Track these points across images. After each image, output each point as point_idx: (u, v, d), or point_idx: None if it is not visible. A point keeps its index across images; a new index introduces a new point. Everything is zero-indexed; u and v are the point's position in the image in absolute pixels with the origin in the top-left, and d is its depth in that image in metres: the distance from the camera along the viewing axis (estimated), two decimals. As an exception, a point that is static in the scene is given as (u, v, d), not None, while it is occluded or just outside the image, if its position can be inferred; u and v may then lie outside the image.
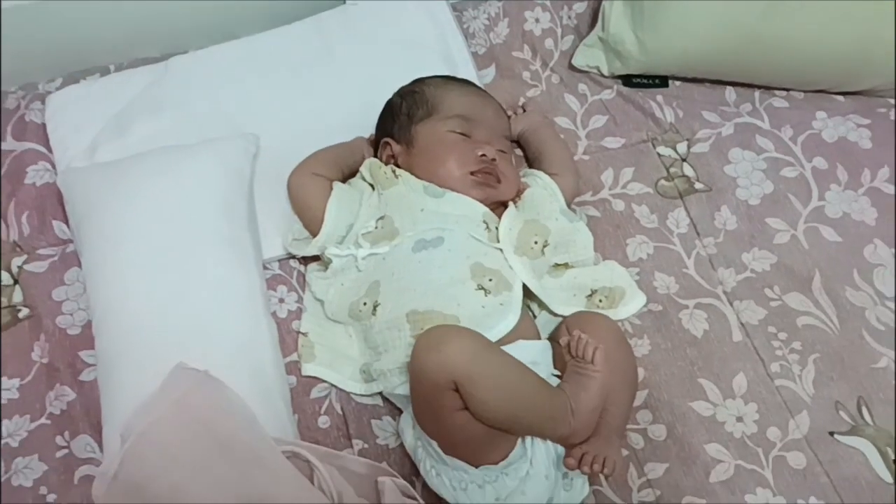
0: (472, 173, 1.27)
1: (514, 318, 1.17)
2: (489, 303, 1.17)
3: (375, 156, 1.38)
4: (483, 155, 1.27)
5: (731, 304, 1.32)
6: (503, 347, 1.12)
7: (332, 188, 1.29)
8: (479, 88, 1.42)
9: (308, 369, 1.25)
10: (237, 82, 1.50)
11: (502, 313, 1.17)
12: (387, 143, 1.34)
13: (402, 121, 1.33)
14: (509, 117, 1.44)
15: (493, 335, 1.14)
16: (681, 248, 1.38)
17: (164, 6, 1.53)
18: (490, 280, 1.19)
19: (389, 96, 1.40)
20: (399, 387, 1.16)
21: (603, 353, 1.07)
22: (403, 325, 1.16)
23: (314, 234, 1.29)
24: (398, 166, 1.31)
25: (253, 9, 1.58)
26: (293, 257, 1.36)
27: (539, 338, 1.23)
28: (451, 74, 1.47)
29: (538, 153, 1.41)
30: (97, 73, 1.55)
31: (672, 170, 1.45)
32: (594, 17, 1.59)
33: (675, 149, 1.48)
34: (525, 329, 1.19)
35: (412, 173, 1.29)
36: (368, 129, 1.43)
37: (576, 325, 1.16)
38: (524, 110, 1.48)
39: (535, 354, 1.15)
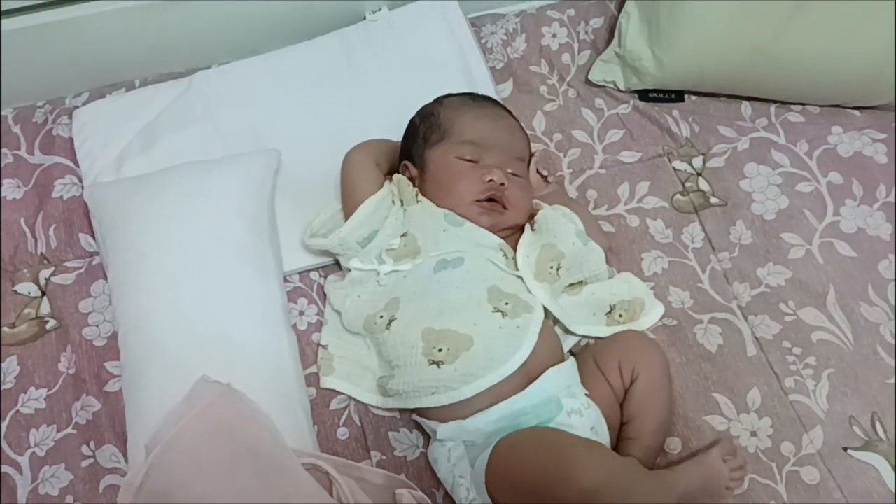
0: (477, 201, 1.28)
1: (530, 343, 1.18)
2: (506, 325, 1.18)
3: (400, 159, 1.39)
4: (490, 180, 1.27)
5: (745, 318, 1.33)
6: (535, 382, 1.14)
7: (381, 185, 1.31)
8: (497, 107, 1.41)
9: (327, 382, 1.28)
10: (260, 97, 1.53)
11: (519, 337, 1.18)
12: (406, 166, 1.36)
13: (418, 144, 1.34)
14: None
15: (514, 363, 1.15)
16: (696, 262, 1.39)
17: (188, 22, 1.55)
18: (507, 304, 1.20)
19: (408, 110, 1.41)
20: (414, 402, 1.19)
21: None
22: (417, 342, 1.18)
23: (347, 213, 1.30)
24: (415, 187, 1.34)
25: (275, 25, 1.60)
26: (314, 269, 1.38)
27: (563, 357, 1.24)
28: (470, 89, 1.49)
29: None
30: (123, 87, 1.59)
31: (688, 184, 1.47)
32: (611, 32, 1.61)
33: (690, 163, 1.49)
34: (552, 351, 1.21)
35: (424, 196, 1.31)
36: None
37: (626, 356, 1.19)
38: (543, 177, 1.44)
39: (568, 377, 1.18)
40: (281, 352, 1.25)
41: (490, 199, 1.28)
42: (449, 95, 1.40)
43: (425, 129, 1.34)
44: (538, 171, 1.42)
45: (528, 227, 1.32)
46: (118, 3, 1.49)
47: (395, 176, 1.35)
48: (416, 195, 1.31)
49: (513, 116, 1.41)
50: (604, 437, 1.14)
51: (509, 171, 1.30)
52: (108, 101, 1.54)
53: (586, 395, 1.17)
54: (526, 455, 1.08)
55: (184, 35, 1.57)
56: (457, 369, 1.15)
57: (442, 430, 1.16)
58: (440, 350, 1.16)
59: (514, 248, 1.29)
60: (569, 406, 1.12)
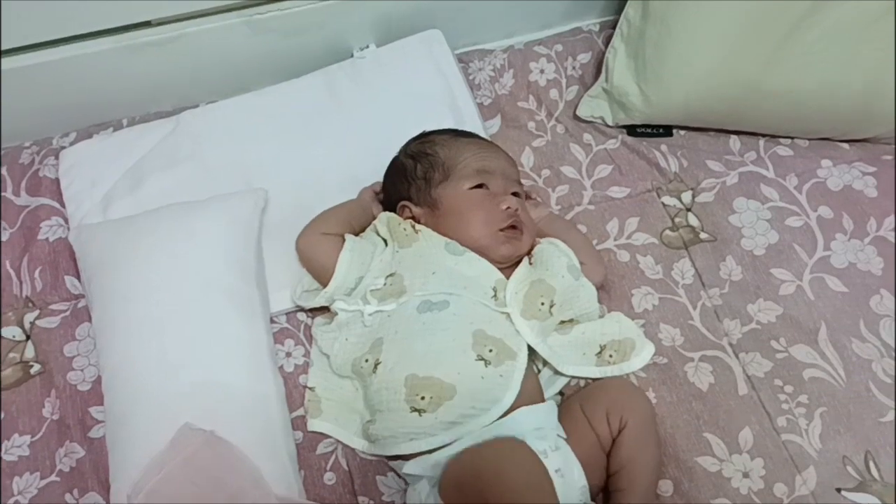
0: (501, 230, 1.28)
1: (513, 393, 1.16)
2: (489, 374, 1.17)
3: (387, 209, 1.38)
4: (508, 207, 1.28)
5: (736, 356, 1.32)
6: (501, 420, 1.14)
7: (343, 241, 1.29)
8: (485, 139, 1.43)
9: (314, 425, 1.26)
10: (248, 135, 1.52)
11: (502, 387, 1.17)
12: (405, 207, 1.34)
13: (419, 185, 1.33)
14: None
15: (495, 412, 1.15)
16: (686, 299, 1.38)
17: (175, 62, 1.55)
18: (491, 350, 1.18)
19: (396, 147, 1.41)
20: (392, 449, 1.18)
21: None
22: (400, 388, 1.16)
23: (325, 286, 1.30)
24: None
25: (262, 63, 1.60)
26: (301, 310, 1.37)
27: (542, 399, 1.23)
28: (458, 125, 1.49)
29: None
30: (111, 127, 1.58)
31: (677, 220, 1.46)
32: (598, 67, 1.60)
33: (679, 198, 1.49)
34: (527, 393, 1.19)
35: (438, 232, 1.30)
36: (376, 177, 1.43)
37: (613, 404, 1.17)
38: (531, 198, 1.44)
39: (538, 419, 1.16)
40: (267, 396, 1.24)
41: (511, 227, 1.29)
42: (433, 133, 1.40)
43: (425, 170, 1.33)
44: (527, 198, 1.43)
45: (525, 260, 1.31)
46: (105, 44, 1.49)
47: (384, 215, 1.34)
48: (413, 227, 1.30)
49: (499, 147, 1.42)
50: (571, 481, 1.11)
51: (512, 192, 1.32)
52: (94, 142, 1.53)
53: (563, 438, 1.16)
54: (464, 470, 1.08)
55: (171, 74, 1.57)
56: (437, 418, 1.14)
57: (408, 465, 1.16)
58: (423, 398, 1.15)
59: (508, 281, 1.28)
60: (533, 446, 1.10)
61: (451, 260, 1.27)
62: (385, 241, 1.32)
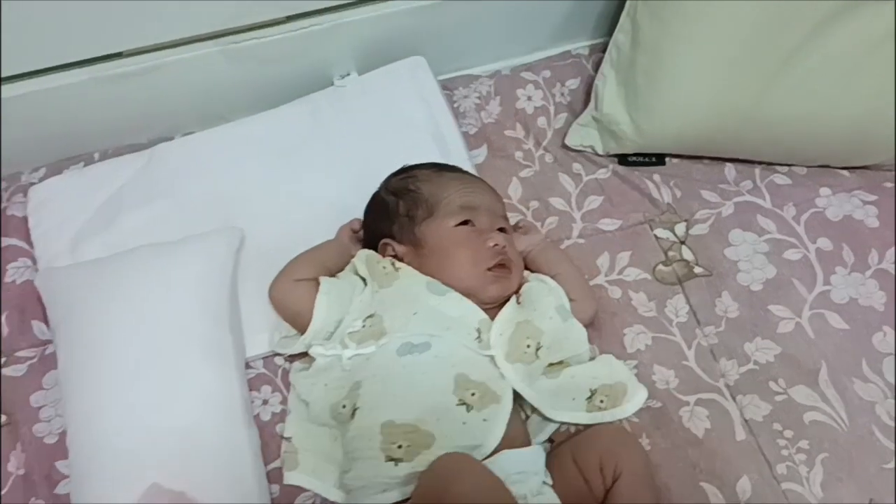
0: (489, 269, 1.23)
1: (496, 437, 1.11)
2: (471, 419, 1.11)
3: (365, 246, 1.33)
4: (495, 245, 1.24)
5: (734, 398, 1.27)
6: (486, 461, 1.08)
7: (318, 284, 1.24)
8: (469, 173, 1.38)
9: (291, 478, 1.19)
10: (225, 169, 1.47)
11: (485, 431, 1.11)
12: (388, 245, 1.29)
13: (402, 222, 1.28)
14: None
15: (476, 456, 1.08)
16: (680, 338, 1.32)
17: (150, 92, 1.49)
18: (473, 394, 1.13)
19: (379, 178, 1.36)
20: (362, 499, 1.11)
21: None
22: (375, 435, 1.10)
23: (303, 333, 1.24)
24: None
25: (240, 92, 1.55)
26: (278, 354, 1.31)
27: (528, 443, 1.17)
28: (442, 155, 1.45)
29: (549, 275, 1.32)
30: (82, 161, 1.53)
31: (670, 253, 1.41)
32: (588, 93, 1.55)
33: (673, 230, 1.43)
34: (512, 438, 1.14)
35: (423, 271, 1.24)
36: (359, 210, 1.38)
37: (606, 454, 1.11)
38: (516, 227, 1.39)
39: (522, 464, 1.10)
40: (241, 450, 1.18)
41: (499, 265, 1.24)
42: (416, 167, 1.34)
43: (408, 207, 1.28)
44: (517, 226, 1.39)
45: (513, 299, 1.26)
46: (75, 76, 1.43)
47: (363, 253, 1.28)
48: (394, 265, 1.25)
49: (484, 180, 1.38)
50: None
51: (498, 228, 1.28)
52: (65, 178, 1.48)
53: (548, 485, 1.11)
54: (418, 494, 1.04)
55: (145, 106, 1.52)
56: (414, 468, 1.08)
57: None
58: (399, 446, 1.09)
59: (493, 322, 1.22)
60: (514, 490, 1.03)
61: (434, 300, 1.21)
62: (364, 280, 1.26)
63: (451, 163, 1.42)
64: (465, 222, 1.26)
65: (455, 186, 1.30)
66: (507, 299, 1.26)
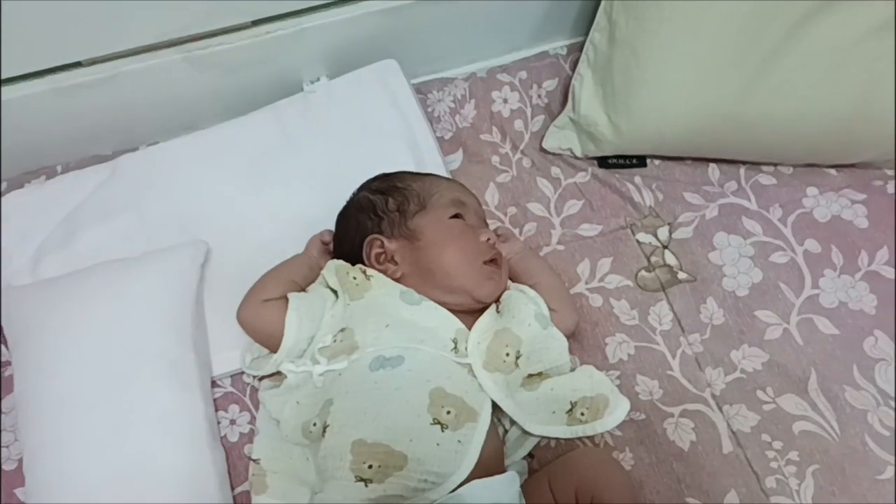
0: (485, 263, 1.20)
1: (470, 462, 1.05)
2: (445, 440, 1.05)
3: (340, 257, 1.27)
4: (488, 239, 1.21)
5: (720, 409, 1.22)
6: (451, 494, 1.02)
7: (287, 302, 1.19)
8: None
9: (260, 501, 1.14)
10: (190, 179, 1.42)
11: (459, 454, 1.05)
12: (375, 240, 1.22)
13: (392, 218, 1.23)
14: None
15: (449, 485, 1.03)
16: (664, 346, 1.28)
17: (114, 101, 1.44)
18: (449, 412, 1.07)
19: (351, 187, 1.30)
20: None
21: None
22: (346, 454, 1.05)
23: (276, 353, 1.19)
24: (394, 262, 1.21)
25: (207, 100, 1.50)
26: (246, 372, 1.26)
27: (502, 466, 1.12)
28: (416, 161, 1.41)
29: (529, 285, 1.27)
30: (43, 175, 1.48)
31: (653, 259, 1.36)
32: (565, 94, 1.50)
33: (655, 235, 1.38)
34: (486, 461, 1.08)
35: (416, 266, 1.19)
36: (330, 222, 1.32)
37: (583, 481, 1.07)
38: (497, 236, 1.32)
39: (494, 494, 1.05)
40: (205, 473, 1.13)
41: (494, 260, 1.21)
42: (397, 173, 1.29)
43: (399, 202, 1.23)
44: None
45: (492, 308, 1.21)
46: (33, 87, 1.38)
47: (332, 264, 1.23)
48: (365, 274, 1.19)
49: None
50: None
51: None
52: (25, 192, 1.43)
53: None
54: None
55: (107, 116, 1.47)
56: (385, 491, 1.02)
57: None
58: (370, 466, 1.03)
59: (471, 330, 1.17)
60: None
61: (407, 310, 1.16)
62: (335, 292, 1.21)
63: (425, 169, 1.37)
64: (457, 216, 1.22)
65: (444, 183, 1.27)
66: (486, 307, 1.21)
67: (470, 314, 1.19)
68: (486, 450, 1.08)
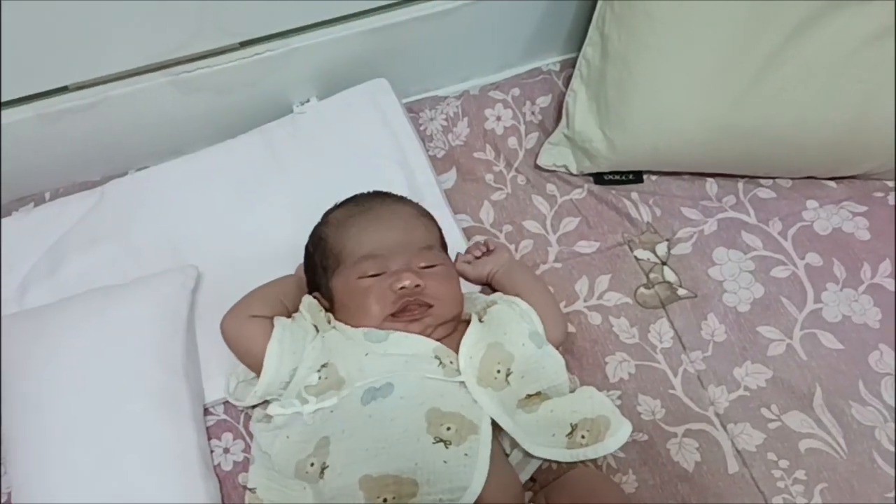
0: (392, 315, 1.14)
1: (482, 472, 1.02)
2: (452, 456, 1.03)
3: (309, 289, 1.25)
4: (402, 288, 1.13)
5: (724, 428, 1.19)
6: None
7: (272, 326, 1.16)
8: (384, 203, 1.25)
9: (256, 532, 1.12)
10: (179, 205, 1.39)
11: (469, 467, 1.02)
12: (318, 299, 1.21)
13: (319, 274, 1.21)
14: (477, 256, 1.30)
15: (468, 498, 1.00)
16: (666, 365, 1.25)
17: (101, 126, 1.42)
18: (449, 428, 1.05)
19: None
20: None
21: None
22: (357, 492, 1.02)
23: (256, 371, 1.16)
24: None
25: (195, 123, 1.48)
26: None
27: (518, 481, 1.10)
28: (408, 182, 1.39)
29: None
30: (31, 202, 1.45)
31: (652, 275, 1.33)
32: (559, 110, 1.48)
33: (654, 251, 1.36)
34: (503, 482, 1.05)
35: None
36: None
37: (577, 499, 1.05)
38: (488, 248, 1.31)
39: None
40: (197, 504, 1.10)
41: (405, 308, 1.14)
42: (335, 208, 1.26)
43: (321, 258, 1.20)
44: (477, 257, 1.30)
45: (475, 318, 1.18)
46: (18, 114, 1.36)
47: (305, 300, 1.20)
48: (329, 321, 1.17)
49: (405, 203, 1.27)
50: None
51: (421, 265, 1.17)
52: (13, 220, 1.40)
53: None
54: None
55: (95, 142, 1.44)
56: None
57: None
58: (385, 500, 1.00)
59: (457, 347, 1.14)
60: None
61: (378, 347, 1.12)
62: (310, 328, 1.18)
63: (417, 189, 1.35)
64: (370, 274, 1.16)
65: (357, 232, 1.20)
66: (465, 321, 1.18)
67: (445, 334, 1.16)
68: (495, 461, 1.05)
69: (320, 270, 1.20)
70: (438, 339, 1.14)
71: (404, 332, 1.13)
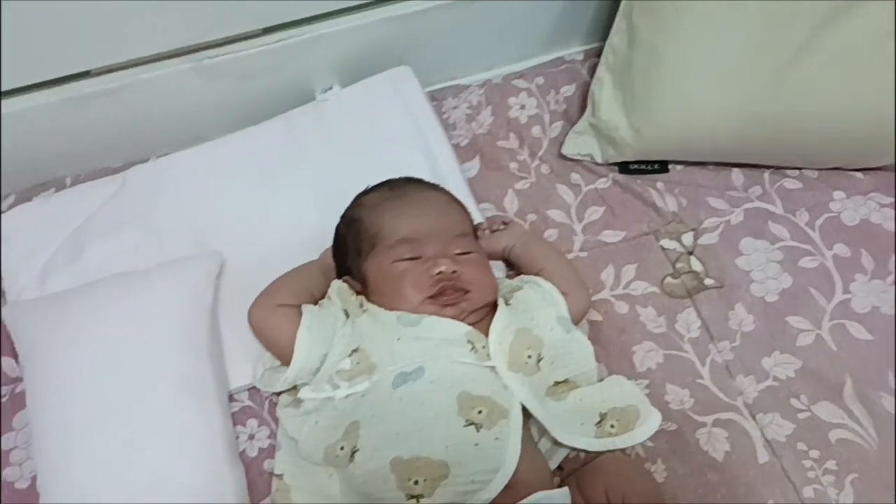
0: (430, 297, 1.13)
1: (514, 453, 1.02)
2: (483, 439, 1.02)
3: (338, 274, 1.24)
4: (439, 272, 1.13)
5: (753, 417, 1.18)
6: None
7: (300, 314, 1.15)
8: (420, 189, 1.25)
9: (283, 518, 1.11)
10: (201, 191, 1.39)
11: (500, 450, 1.02)
12: (347, 282, 1.20)
13: (352, 257, 1.20)
14: (493, 230, 1.30)
15: (497, 484, 1.00)
16: (693, 354, 1.24)
17: (123, 112, 1.41)
18: (480, 412, 1.04)
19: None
20: None
21: None
22: (388, 475, 1.01)
23: (288, 364, 1.15)
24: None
25: (218, 110, 1.47)
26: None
27: (547, 467, 1.10)
28: (431, 170, 1.38)
29: (535, 271, 1.25)
30: (53, 187, 1.45)
31: (678, 265, 1.32)
32: (584, 99, 1.47)
33: (680, 241, 1.35)
34: (533, 466, 1.05)
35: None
36: (344, 234, 1.29)
37: (612, 485, 1.04)
38: (504, 224, 1.31)
39: None
40: (224, 490, 1.09)
41: (443, 292, 1.13)
42: (368, 191, 1.25)
43: (354, 239, 1.20)
44: (493, 230, 1.30)
45: (501, 302, 1.17)
46: (41, 98, 1.36)
47: (334, 285, 1.20)
48: (361, 305, 1.16)
49: (438, 190, 1.26)
50: None
51: (456, 251, 1.16)
52: (34, 205, 1.40)
53: None
54: None
55: (117, 127, 1.44)
56: (437, 502, 0.99)
57: None
58: (416, 483, 1.00)
59: (487, 332, 1.13)
60: None
61: (410, 332, 1.12)
62: (340, 313, 1.18)
63: (441, 177, 1.34)
64: (407, 258, 1.15)
65: (394, 216, 1.19)
66: (495, 307, 1.17)
67: (476, 319, 1.16)
68: (526, 446, 1.04)
69: (353, 253, 1.19)
70: (471, 325, 1.13)
71: (437, 317, 1.12)
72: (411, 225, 1.18)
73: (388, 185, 1.25)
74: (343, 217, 1.24)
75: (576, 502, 1.05)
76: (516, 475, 1.01)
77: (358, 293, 1.19)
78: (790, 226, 1.35)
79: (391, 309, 1.13)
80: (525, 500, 1.00)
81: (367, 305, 1.16)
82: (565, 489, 1.05)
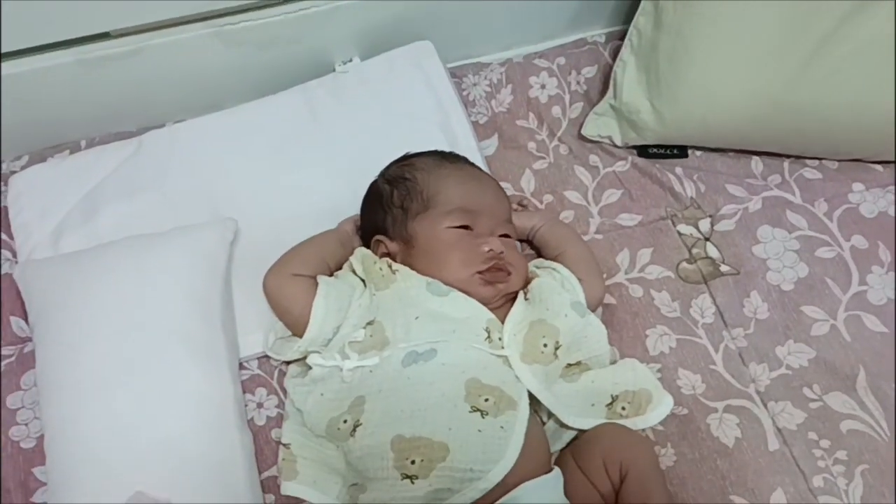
0: (479, 273, 1.13)
1: (516, 447, 1.01)
2: (487, 426, 1.01)
3: (365, 244, 1.24)
4: (490, 250, 1.14)
5: (765, 405, 1.18)
6: (504, 498, 0.98)
7: (317, 285, 1.15)
8: (475, 168, 1.27)
9: (289, 488, 1.09)
10: (217, 159, 1.38)
11: (503, 440, 1.01)
12: (380, 242, 1.20)
13: (395, 214, 1.19)
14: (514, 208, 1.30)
15: (497, 474, 0.99)
16: (707, 340, 1.24)
17: (140, 77, 1.40)
18: (487, 400, 1.03)
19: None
20: None
21: None
22: (386, 452, 1.01)
23: (299, 336, 1.15)
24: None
25: (235, 78, 1.46)
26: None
27: (549, 460, 1.08)
28: (450, 146, 1.36)
29: (556, 255, 1.25)
30: (67, 149, 1.43)
31: (694, 251, 1.32)
32: (605, 82, 1.46)
33: (697, 226, 1.34)
34: (532, 454, 1.04)
35: (414, 269, 1.15)
36: (359, 204, 1.28)
37: (610, 453, 1.04)
38: (523, 206, 1.32)
39: (548, 495, 1.01)
40: (232, 459, 1.09)
41: (492, 269, 1.14)
42: (418, 155, 1.25)
43: (402, 198, 1.19)
44: (518, 206, 1.31)
45: (520, 295, 1.17)
46: (59, 58, 1.34)
47: (359, 252, 1.19)
48: (390, 268, 1.15)
49: (491, 178, 1.27)
50: None
51: (501, 233, 1.17)
52: (47, 166, 1.38)
53: None
54: None
55: (134, 91, 1.42)
56: (431, 485, 0.98)
57: None
58: (413, 462, 0.99)
59: (503, 322, 1.13)
60: None
61: (436, 302, 1.11)
62: (363, 281, 1.17)
63: (459, 153, 1.33)
64: (461, 226, 1.16)
65: (455, 182, 1.20)
66: (515, 297, 1.17)
67: (496, 306, 1.15)
68: (530, 437, 1.04)
69: (397, 211, 1.18)
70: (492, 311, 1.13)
71: (465, 295, 1.12)
72: (472, 197, 1.18)
73: (441, 153, 1.26)
74: (385, 175, 1.23)
75: (573, 476, 1.05)
76: (514, 467, 1.01)
77: (385, 254, 1.18)
78: (808, 215, 1.34)
79: (426, 274, 1.13)
80: (511, 493, 1.00)
81: (398, 266, 1.15)
82: (556, 471, 1.05)
